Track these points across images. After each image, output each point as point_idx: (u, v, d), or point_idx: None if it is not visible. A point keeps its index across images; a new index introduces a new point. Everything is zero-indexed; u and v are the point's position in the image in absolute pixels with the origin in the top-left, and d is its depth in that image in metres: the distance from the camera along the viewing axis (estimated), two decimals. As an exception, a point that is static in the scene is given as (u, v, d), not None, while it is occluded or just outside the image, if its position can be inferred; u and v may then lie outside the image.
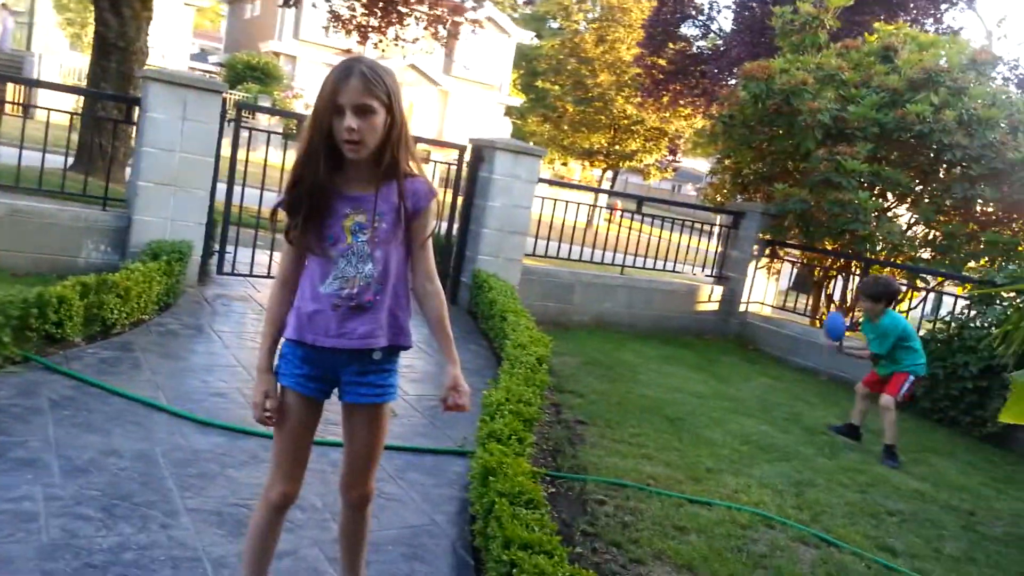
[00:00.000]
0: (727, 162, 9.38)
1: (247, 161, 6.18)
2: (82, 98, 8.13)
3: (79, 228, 5.70)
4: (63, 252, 5.64)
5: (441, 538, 2.94)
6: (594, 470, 3.80)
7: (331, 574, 2.55)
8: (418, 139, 7.64)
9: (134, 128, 6.52)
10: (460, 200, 7.26)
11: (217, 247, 6.36)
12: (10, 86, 15.06)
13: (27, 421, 3.23)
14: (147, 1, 9.94)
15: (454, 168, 7.25)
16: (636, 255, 8.20)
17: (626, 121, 22.72)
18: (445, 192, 7.08)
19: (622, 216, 9.58)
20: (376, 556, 2.66)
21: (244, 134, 6.91)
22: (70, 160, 8.28)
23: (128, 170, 7.41)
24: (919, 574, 3.35)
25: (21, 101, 14.05)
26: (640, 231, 8.03)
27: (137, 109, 6.05)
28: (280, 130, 12.83)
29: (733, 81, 14.23)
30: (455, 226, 7.26)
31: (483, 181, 7.04)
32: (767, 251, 8.58)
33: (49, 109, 6.20)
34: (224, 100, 6.08)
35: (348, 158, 1.86)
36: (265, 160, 6.48)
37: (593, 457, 3.97)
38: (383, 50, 14.63)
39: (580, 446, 4.12)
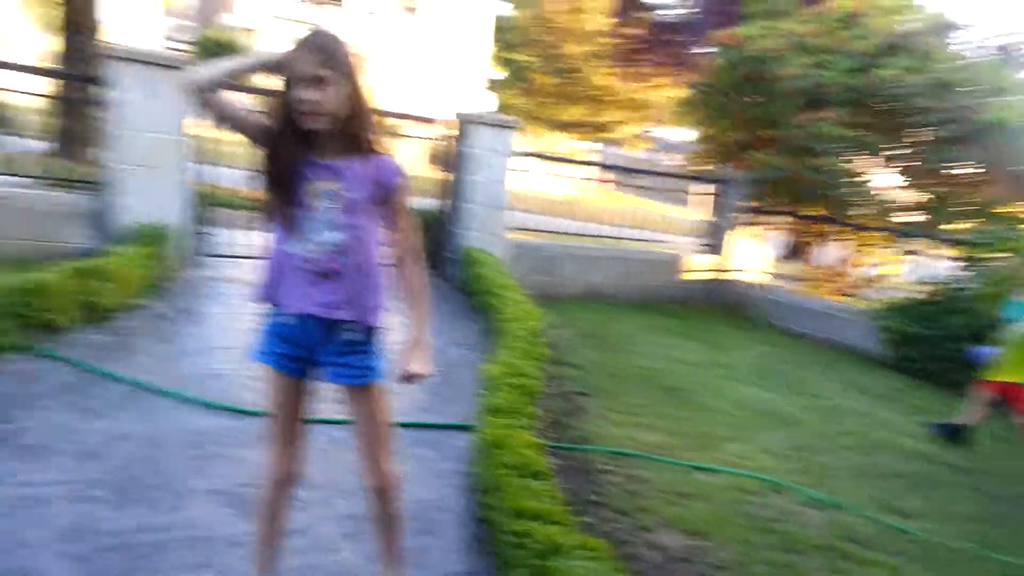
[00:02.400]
0: (708, 131, 9.39)
1: (222, 140, 6.04)
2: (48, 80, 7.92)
3: (60, 214, 5.59)
4: (45, 238, 5.53)
5: (450, 512, 2.96)
6: (597, 440, 3.83)
7: (345, 548, 2.57)
8: (402, 115, 7.61)
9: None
10: (447, 176, 7.21)
11: (201, 228, 6.27)
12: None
13: (29, 408, 3.20)
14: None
15: (441, 144, 7.19)
16: (623, 226, 8.22)
17: (598, 92, 22.62)
18: (433, 168, 7.04)
19: (607, 187, 9.58)
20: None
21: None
22: (46, 145, 8.12)
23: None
24: (929, 534, 3.42)
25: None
26: (628, 203, 8.04)
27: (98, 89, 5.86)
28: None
29: (703, 50, 14.18)
30: (444, 202, 7.22)
31: (466, 156, 7.00)
32: (752, 218, 8.62)
33: (19, 91, 6.05)
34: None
35: (307, 128, 1.87)
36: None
37: (595, 428, 4.01)
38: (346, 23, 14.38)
39: (582, 417, 4.15)
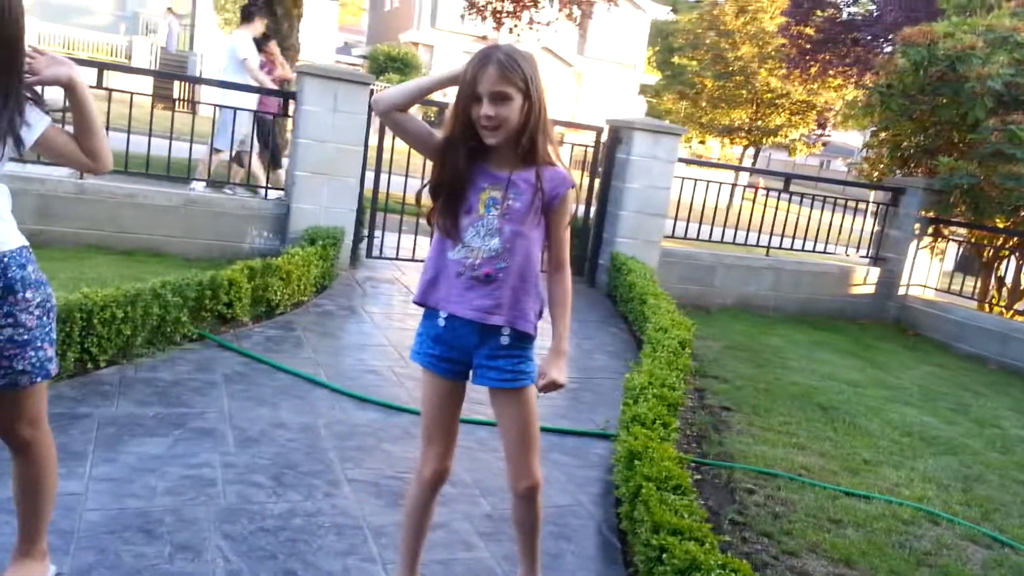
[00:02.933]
0: (884, 135, 8.79)
1: (392, 149, 6.39)
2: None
3: (244, 216, 6.12)
4: (230, 238, 6.08)
5: (587, 519, 2.96)
6: (741, 458, 3.70)
7: (481, 546, 2.63)
8: (554, 122, 7.69)
9: (290, 121, 6.91)
10: (597, 182, 7.21)
11: (366, 232, 6.65)
12: (176, 83, 16.38)
13: (204, 394, 3.52)
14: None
15: (590, 150, 7.20)
16: (783, 236, 7.86)
17: (769, 95, 21.76)
18: (582, 175, 7.06)
19: (767, 195, 9.20)
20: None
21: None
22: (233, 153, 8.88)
23: (286, 161, 7.88)
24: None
25: (187, 98, 15.21)
26: (788, 211, 7.68)
27: (292, 103, 6.41)
28: (419, 118, 13.21)
29: (889, 48, 13.26)
30: (592, 209, 7.23)
31: (620, 162, 6.96)
32: (930, 230, 7.98)
33: (215, 105, 6.70)
34: (371, 92, 6.32)
35: (488, 144, 1.93)
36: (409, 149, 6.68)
37: (740, 445, 3.86)
38: (518, 35, 14.73)
39: (726, 433, 4.02)
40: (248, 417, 3.35)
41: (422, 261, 6.92)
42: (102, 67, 6.18)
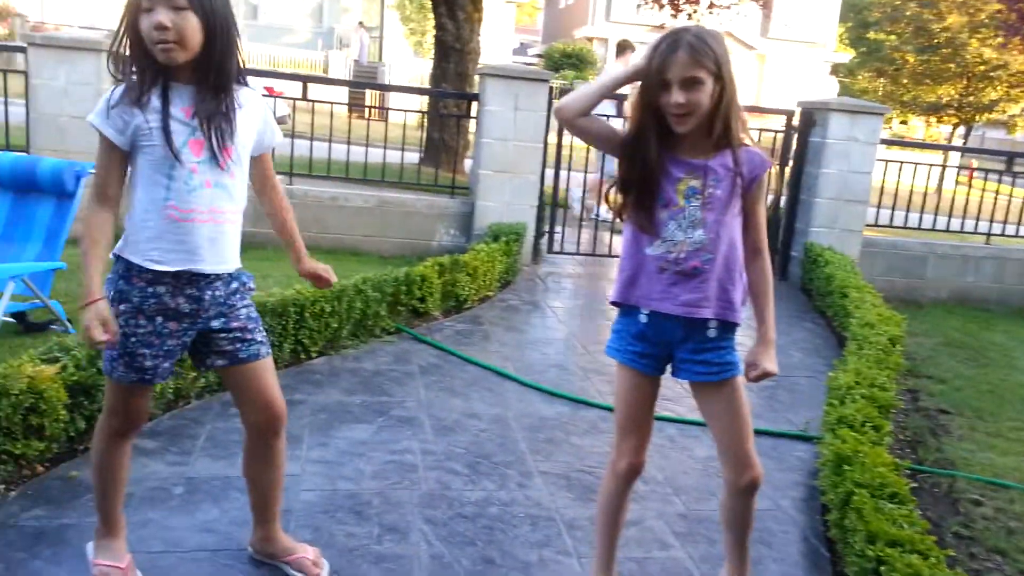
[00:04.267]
0: None
1: (572, 146, 6.40)
2: (426, 99, 9.06)
3: (433, 215, 6.39)
4: (420, 236, 6.37)
5: (788, 524, 2.79)
6: (964, 466, 3.34)
7: (676, 546, 2.55)
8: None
9: (472, 122, 7.12)
10: (788, 169, 6.82)
11: (547, 228, 6.71)
12: (368, 92, 17.45)
13: (403, 384, 3.70)
14: (478, 3, 10.78)
15: (778, 136, 6.83)
16: (1005, 222, 7.04)
17: (983, 67, 19.61)
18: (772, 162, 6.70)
19: (986, 177, 8.28)
20: (721, 535, 2.61)
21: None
22: (418, 156, 9.32)
23: (467, 161, 8.14)
24: None
25: (378, 105, 16.15)
26: (1011, 195, 6.88)
27: (475, 104, 6.60)
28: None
29: None
30: (783, 197, 6.85)
31: (815, 147, 6.54)
32: None
33: (405, 111, 7.05)
34: (550, 89, 6.37)
35: (678, 132, 1.84)
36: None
37: (962, 452, 3.49)
38: (698, 20, 14.28)
39: (945, 438, 3.65)
40: (443, 407, 3.48)
41: (602, 256, 6.85)
42: (305, 80, 6.68)
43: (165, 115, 1.76)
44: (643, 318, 1.95)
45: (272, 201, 2.14)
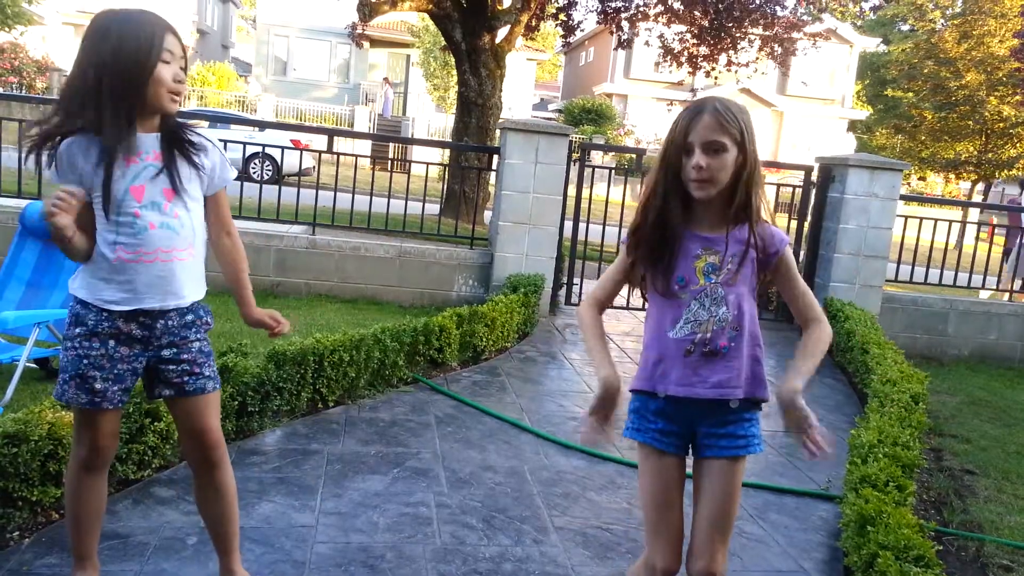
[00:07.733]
0: None
1: (590, 199, 6.47)
2: (447, 152, 9.21)
3: (452, 265, 6.44)
4: (439, 286, 6.41)
5: (811, 587, 2.72)
6: (992, 529, 3.25)
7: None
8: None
9: (492, 175, 7.23)
10: (807, 224, 6.83)
11: (565, 279, 6.74)
12: (391, 145, 17.77)
13: (419, 435, 3.68)
14: (500, 60, 11.04)
15: (796, 191, 6.85)
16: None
17: (1002, 124, 19.67)
18: (789, 219, 6.73)
19: (1007, 234, 8.23)
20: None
21: (587, 172, 7.26)
22: (438, 207, 9.44)
23: (487, 213, 8.22)
24: None
25: (401, 158, 16.42)
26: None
27: (495, 157, 6.70)
28: (614, 166, 13.31)
29: None
30: (802, 252, 6.84)
31: (833, 202, 6.56)
32: None
33: (427, 164, 7.17)
34: (570, 143, 6.46)
35: (697, 197, 1.79)
36: (607, 196, 6.73)
37: (989, 514, 3.40)
38: (715, 77, 14.48)
39: (970, 499, 3.56)
40: (459, 459, 3.45)
41: (619, 308, 6.79)
42: (332, 133, 6.83)
43: (108, 165, 1.84)
44: (668, 400, 1.85)
45: (223, 247, 2.11)
